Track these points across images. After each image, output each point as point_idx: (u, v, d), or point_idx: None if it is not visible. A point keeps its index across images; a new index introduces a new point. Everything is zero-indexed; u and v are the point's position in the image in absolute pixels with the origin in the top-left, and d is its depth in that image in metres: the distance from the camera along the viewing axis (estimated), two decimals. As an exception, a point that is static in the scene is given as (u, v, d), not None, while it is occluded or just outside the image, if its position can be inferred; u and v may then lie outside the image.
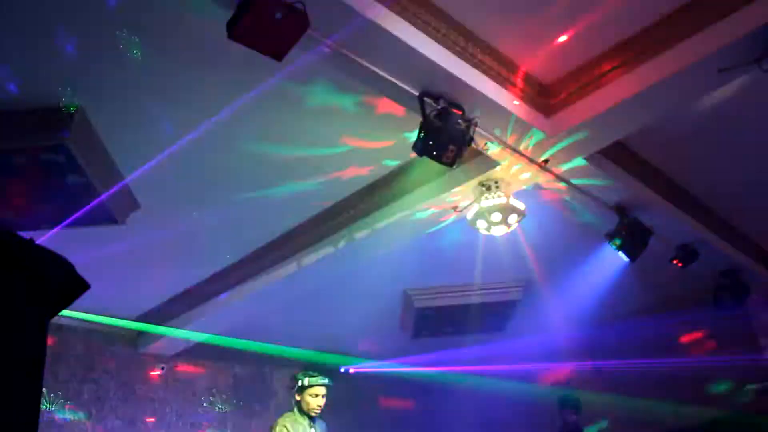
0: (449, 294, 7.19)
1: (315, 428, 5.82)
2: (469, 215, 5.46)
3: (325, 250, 6.27)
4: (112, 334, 7.91)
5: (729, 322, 8.14)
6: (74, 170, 4.89)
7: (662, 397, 8.17)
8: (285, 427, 5.69)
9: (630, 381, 8.45)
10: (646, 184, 5.93)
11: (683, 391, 8.12)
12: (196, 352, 8.28)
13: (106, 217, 5.45)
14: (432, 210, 5.78)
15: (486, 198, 5.33)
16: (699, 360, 8.12)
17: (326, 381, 5.93)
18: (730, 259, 7.39)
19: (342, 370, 8.90)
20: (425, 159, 4.50)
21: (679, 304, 8.19)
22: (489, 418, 8.78)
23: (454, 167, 4.66)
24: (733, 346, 8.24)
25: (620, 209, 6.01)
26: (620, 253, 5.97)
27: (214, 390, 8.53)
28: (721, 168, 6.17)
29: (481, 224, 5.42)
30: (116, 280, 7.03)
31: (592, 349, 8.75)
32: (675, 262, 6.81)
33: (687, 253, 6.78)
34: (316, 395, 5.83)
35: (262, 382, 8.90)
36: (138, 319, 8.00)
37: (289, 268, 6.56)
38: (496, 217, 5.33)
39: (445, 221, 5.92)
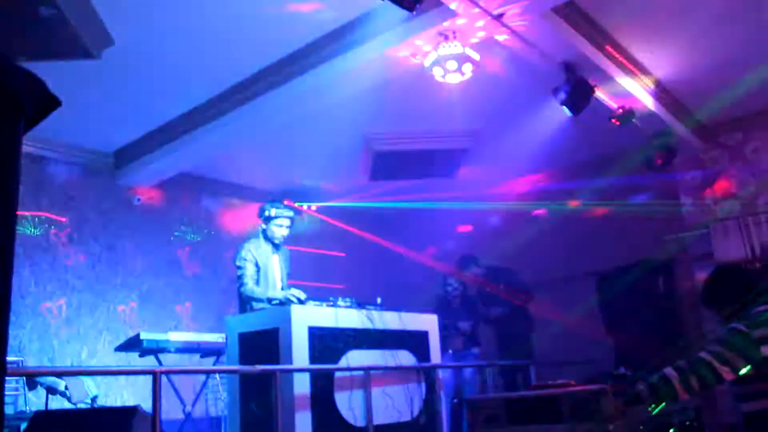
0: (406, 139, 7.29)
1: (278, 255, 6.04)
2: (427, 62, 5.50)
3: (289, 93, 6.28)
4: (90, 166, 7.94)
5: (657, 181, 8.46)
6: (47, 1, 4.74)
7: (596, 243, 8.57)
8: (249, 251, 5.88)
9: (565, 228, 8.80)
10: (593, 44, 5.97)
11: (612, 238, 8.50)
12: (170, 185, 8.40)
13: (80, 51, 5.34)
14: (392, 57, 5.78)
15: (443, 47, 5.36)
16: (628, 210, 8.45)
17: (291, 213, 6.12)
18: (662, 121, 7.57)
19: (305, 207, 9.11)
20: (387, 6, 4.48)
21: (613, 162, 8.46)
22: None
23: (414, 14, 4.64)
24: (658, 200, 8.60)
25: (567, 66, 6.06)
26: (564, 107, 6.08)
27: (186, 220, 8.71)
28: (665, 36, 6.22)
29: (437, 71, 5.47)
30: (93, 115, 7.00)
31: (535, 196, 9.07)
32: (613, 120, 6.97)
33: (624, 112, 6.92)
34: (281, 225, 6.01)
35: (231, 213, 9.11)
36: (115, 153, 8.03)
37: (257, 108, 6.59)
38: (452, 65, 5.39)
39: (404, 68, 5.93)
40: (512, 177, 8.60)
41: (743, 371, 3.21)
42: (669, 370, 3.32)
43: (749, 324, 3.27)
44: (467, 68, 5.44)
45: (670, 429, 4.09)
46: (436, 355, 5.94)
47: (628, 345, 7.63)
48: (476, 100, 6.59)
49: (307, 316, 4.98)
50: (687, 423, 4.60)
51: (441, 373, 6.13)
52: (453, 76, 5.49)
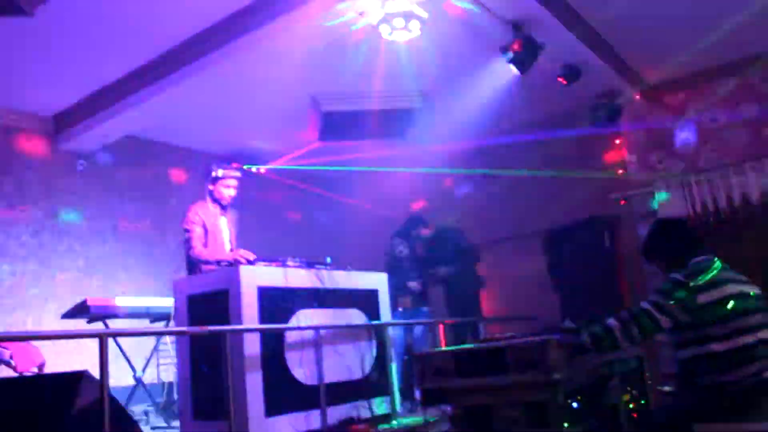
0: (355, 99, 7.21)
1: (226, 216, 5.97)
2: (374, 20, 5.43)
3: (237, 52, 6.17)
4: (30, 131, 7.70)
5: (603, 140, 8.59)
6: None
7: (543, 202, 8.68)
8: (197, 213, 5.79)
9: (513, 189, 8.89)
10: (541, 3, 5.97)
11: (559, 197, 8.63)
12: (115, 149, 8.20)
13: (13, 7, 5.11)
14: (340, 15, 5.70)
15: (390, 3, 5.31)
16: (574, 169, 8.56)
17: (238, 174, 6.04)
18: (609, 81, 7.66)
19: (253, 169, 8.99)
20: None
21: (560, 121, 8.56)
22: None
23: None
24: (603, 159, 8.74)
25: (515, 25, 6.06)
26: (511, 65, 6.10)
27: (132, 185, 8.53)
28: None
29: (384, 29, 5.42)
30: (31, 76, 6.78)
31: (484, 157, 9.13)
32: (560, 79, 7.03)
33: (571, 71, 6.99)
34: (228, 186, 5.93)
35: (178, 177, 8.96)
36: (55, 117, 7.80)
37: (204, 69, 6.45)
38: (399, 22, 5.34)
39: (351, 26, 5.86)
40: (462, 137, 8.60)
41: (681, 319, 3.31)
42: (611, 320, 3.41)
43: (687, 274, 3.37)
44: (414, 26, 5.40)
45: (612, 378, 4.19)
46: (386, 314, 5.98)
47: (573, 301, 7.79)
48: (426, 59, 6.54)
49: (256, 277, 4.94)
50: (629, 372, 4.73)
51: (392, 332, 6.18)
52: (400, 34, 5.45)
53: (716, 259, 3.50)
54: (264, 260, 5.27)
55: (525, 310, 7.63)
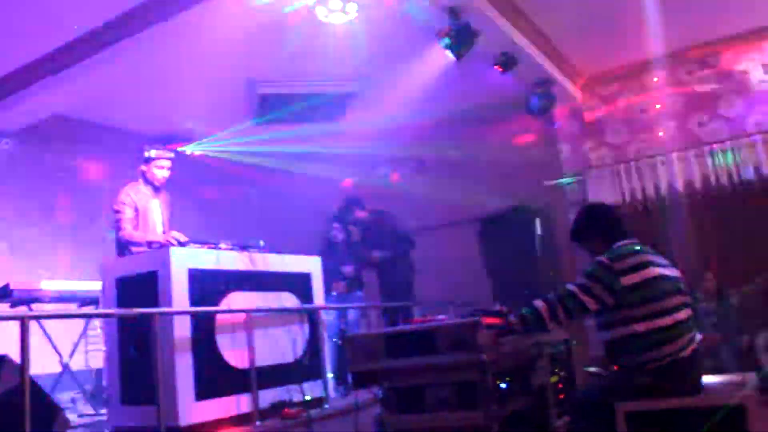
0: (291, 82, 7.14)
1: (158, 198, 5.84)
2: (311, 1, 5.37)
3: (169, 30, 6.01)
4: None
5: (537, 128, 8.73)
6: None
7: (478, 189, 8.77)
8: (129, 194, 5.65)
9: (449, 175, 8.95)
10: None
11: (494, 184, 8.73)
12: (42, 128, 7.91)
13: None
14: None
15: (327, -15, 5.25)
16: (509, 156, 8.69)
17: (172, 155, 5.91)
18: (544, 71, 7.77)
19: (188, 150, 8.83)
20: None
21: (496, 108, 8.65)
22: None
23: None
24: (537, 148, 8.88)
25: (453, 11, 6.07)
26: (448, 51, 6.11)
27: (61, 165, 8.26)
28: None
29: (320, 11, 5.37)
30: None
31: (419, 142, 9.17)
32: (497, 67, 7.09)
33: (508, 59, 7.05)
34: (161, 167, 5.80)
35: (107, 158, 8.70)
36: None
37: (135, 46, 6.28)
38: (336, 4, 5.30)
39: (284, 7, 5.77)
40: (398, 122, 8.61)
41: (605, 301, 3.39)
42: (538, 302, 3.47)
43: (612, 257, 3.45)
44: (351, 8, 5.38)
45: (540, 359, 4.27)
46: (319, 297, 5.95)
47: (506, 287, 7.91)
48: (362, 43, 6.52)
49: (188, 259, 4.85)
50: (558, 354, 4.84)
51: (325, 316, 6.16)
52: (337, 16, 5.41)
53: (639, 243, 3.59)
54: (196, 242, 5.18)
55: (460, 294, 7.71)
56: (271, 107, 7.25)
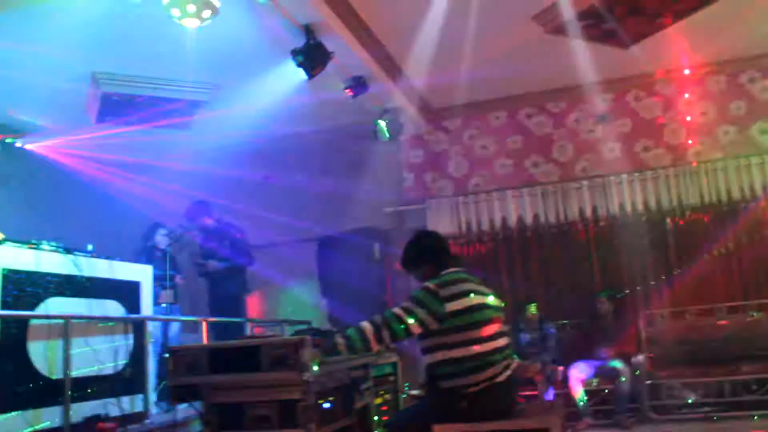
0: (138, 84, 6.84)
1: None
2: (165, 0, 5.20)
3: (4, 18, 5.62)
4: None
5: (382, 155, 8.91)
6: None
7: (321, 209, 8.79)
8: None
9: (293, 194, 8.91)
10: (335, 12, 6.07)
11: (336, 206, 8.81)
12: None
13: None
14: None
15: (182, -14, 5.11)
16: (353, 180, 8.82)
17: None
18: (394, 99, 7.97)
19: (17, 144, 8.22)
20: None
21: (344, 130, 8.76)
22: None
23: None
24: (382, 174, 9.06)
25: (308, 30, 6.10)
26: (300, 69, 6.13)
27: None
28: (405, 13, 6.51)
29: (175, 12, 5.20)
30: None
31: (267, 158, 9.09)
32: (347, 90, 7.19)
33: (359, 84, 7.17)
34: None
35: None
36: None
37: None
38: (191, 8, 5.16)
39: (141, 7, 5.56)
40: (247, 136, 8.49)
41: (429, 326, 3.49)
42: (364, 323, 3.53)
43: (438, 284, 3.57)
44: (206, 14, 5.25)
45: (366, 380, 4.33)
46: (147, 307, 5.72)
47: (341, 307, 7.97)
48: (216, 51, 6.39)
49: (2, 258, 4.50)
50: (384, 376, 4.93)
51: (152, 327, 5.92)
52: (191, 21, 5.26)
53: (465, 272, 3.74)
54: (15, 241, 4.82)
55: (296, 314, 7.69)
56: (115, 107, 6.90)
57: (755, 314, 7.55)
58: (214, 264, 7.27)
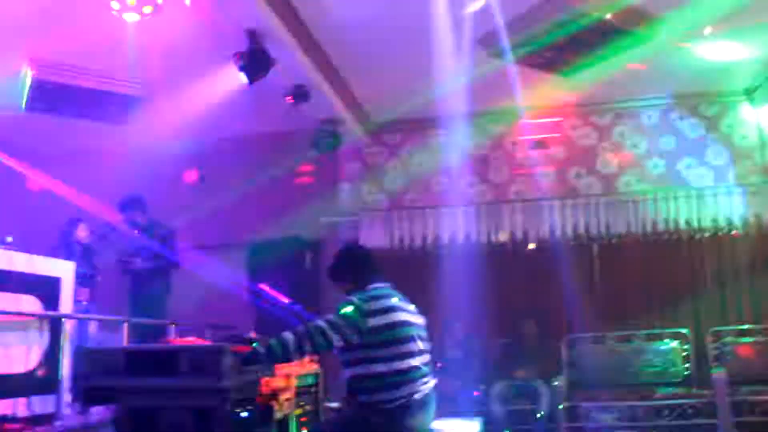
0: (72, 72, 6.63)
1: None
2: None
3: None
4: None
5: (320, 164, 8.88)
6: None
7: (254, 214, 8.68)
8: None
9: (225, 197, 8.78)
10: (281, 19, 6.04)
11: (271, 212, 8.72)
12: None
13: None
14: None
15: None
16: (289, 187, 8.76)
17: None
18: (334, 110, 7.97)
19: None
20: None
21: (283, 137, 8.72)
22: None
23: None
24: (319, 183, 9.05)
25: (253, 35, 6.06)
26: (241, 73, 6.07)
27: None
28: (351, 26, 6.53)
29: (114, 4, 5.11)
30: None
31: (200, 160, 8.95)
32: (289, 98, 7.15)
33: (300, 92, 7.15)
34: None
35: None
36: None
37: None
38: (131, 2, 5.08)
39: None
40: (182, 135, 8.35)
41: (351, 339, 3.49)
42: (287, 334, 3.50)
43: (363, 298, 3.58)
44: (147, 9, 5.16)
45: (286, 390, 4.29)
46: (66, 305, 5.54)
47: (268, 315, 7.85)
48: (157, 48, 6.28)
49: None
50: (305, 387, 4.90)
51: (69, 325, 5.73)
52: (131, 14, 5.17)
53: (391, 288, 3.76)
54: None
55: (223, 318, 7.53)
56: (46, 95, 6.66)
57: (670, 342, 7.83)
58: (139, 262, 7.07)
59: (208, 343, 3.78)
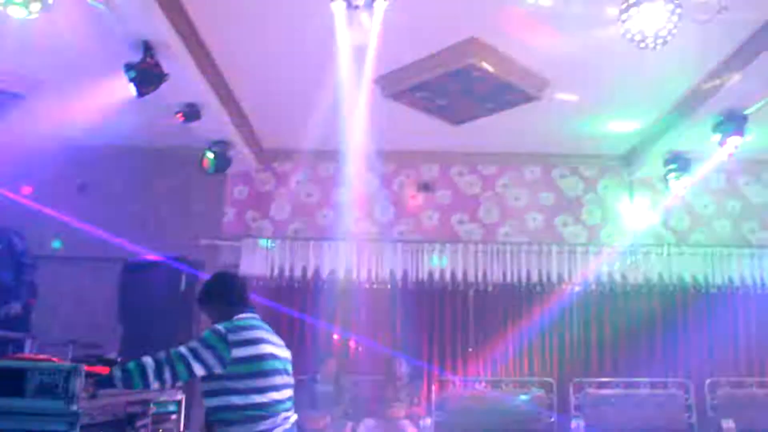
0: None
1: None
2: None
3: None
4: None
5: (207, 186, 8.69)
6: None
7: (129, 230, 8.33)
8: None
9: (108, 208, 8.43)
10: (178, 33, 5.91)
11: (149, 230, 8.44)
12: None
13: None
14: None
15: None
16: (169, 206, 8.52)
17: None
18: (226, 132, 7.84)
19: None
20: None
21: (170, 154, 8.50)
22: None
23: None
24: (203, 204, 8.83)
25: (147, 46, 5.88)
26: (132, 85, 5.88)
27: None
28: (252, 51, 6.48)
29: (-1, -2, 4.82)
30: None
31: (81, 169, 8.55)
32: (179, 116, 6.98)
33: (192, 111, 7.00)
34: None
35: None
36: None
37: None
38: (18, -4, 4.81)
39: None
40: (64, 140, 7.95)
41: (214, 370, 3.39)
42: (147, 359, 3.35)
43: (229, 328, 3.48)
44: (35, 7, 4.90)
45: (143, 416, 4.12)
46: None
47: (137, 335, 7.55)
48: (45, 47, 6.01)
49: None
50: (166, 414, 4.73)
51: None
52: (17, 10, 4.89)
53: (258, 319, 3.69)
54: None
55: (89, 336, 7.12)
56: None
57: (536, 390, 8.07)
58: (16, 308, 6.34)
59: (59, 361, 3.55)
